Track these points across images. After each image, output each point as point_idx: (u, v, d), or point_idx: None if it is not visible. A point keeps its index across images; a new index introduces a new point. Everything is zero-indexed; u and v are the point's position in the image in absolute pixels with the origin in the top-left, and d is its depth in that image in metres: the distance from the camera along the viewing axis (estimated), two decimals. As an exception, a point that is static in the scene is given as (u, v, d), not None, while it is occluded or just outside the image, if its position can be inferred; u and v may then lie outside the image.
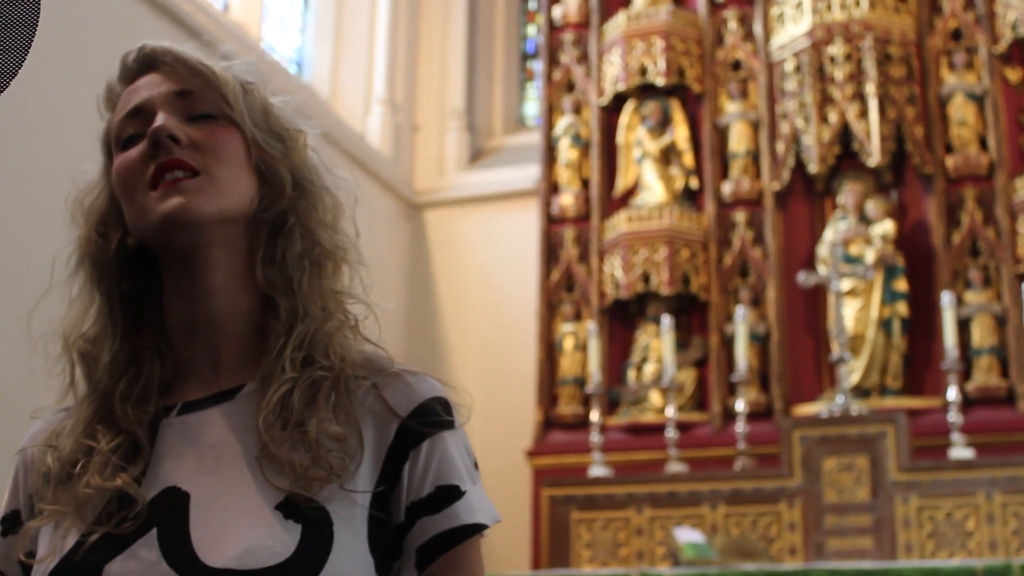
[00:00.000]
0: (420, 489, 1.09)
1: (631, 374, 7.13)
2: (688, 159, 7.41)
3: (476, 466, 1.15)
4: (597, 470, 6.32)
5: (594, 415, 6.49)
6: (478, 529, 1.11)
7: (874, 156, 6.72)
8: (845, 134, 6.90)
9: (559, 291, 7.42)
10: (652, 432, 6.70)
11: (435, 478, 1.10)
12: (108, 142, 1.17)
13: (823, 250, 6.81)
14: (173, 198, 1.08)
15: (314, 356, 1.11)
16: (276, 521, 1.02)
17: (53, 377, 1.16)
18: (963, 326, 6.40)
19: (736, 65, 7.39)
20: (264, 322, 1.13)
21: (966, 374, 6.37)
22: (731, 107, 7.29)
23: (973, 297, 6.54)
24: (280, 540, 1.01)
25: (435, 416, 1.11)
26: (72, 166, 1.21)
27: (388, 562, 1.09)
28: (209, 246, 1.12)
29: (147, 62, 1.16)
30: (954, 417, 5.76)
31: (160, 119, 1.10)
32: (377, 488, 1.08)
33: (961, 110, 6.78)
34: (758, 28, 7.31)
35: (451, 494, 1.10)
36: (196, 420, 1.12)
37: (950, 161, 6.74)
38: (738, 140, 7.22)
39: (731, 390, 6.65)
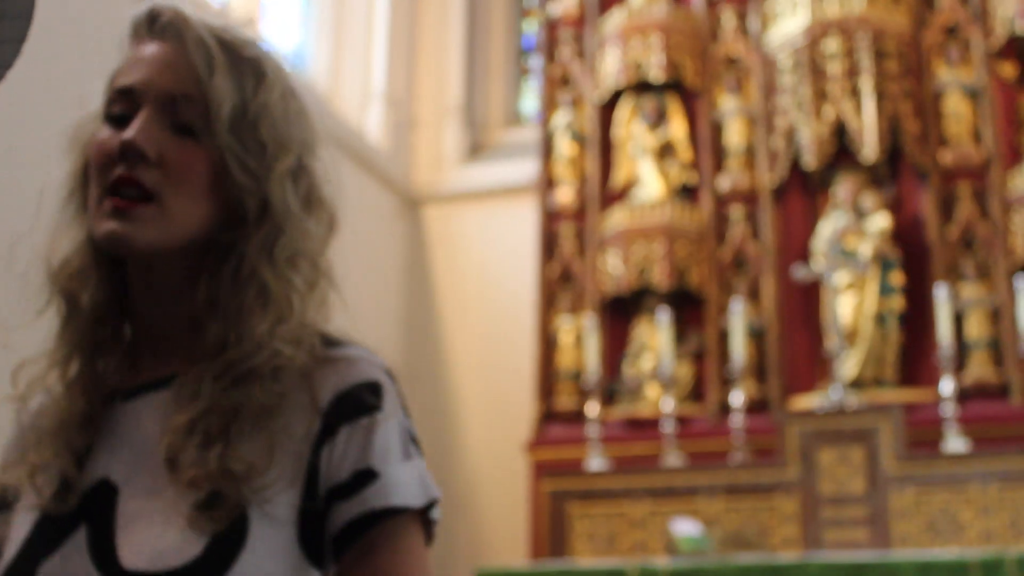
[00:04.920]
0: (338, 475, 1.06)
1: (628, 368, 7.15)
2: (685, 154, 7.43)
3: (415, 442, 1.12)
4: (595, 463, 6.35)
5: (592, 409, 6.52)
6: (391, 513, 1.06)
7: (869, 151, 6.75)
8: (841, 129, 6.91)
9: (557, 286, 7.43)
10: (649, 425, 6.71)
11: (352, 463, 1.07)
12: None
13: (819, 244, 6.84)
14: (115, 222, 1.08)
15: (236, 387, 1.07)
16: (190, 520, 1.02)
17: (39, 314, 1.16)
18: (958, 319, 6.42)
19: (732, 61, 7.41)
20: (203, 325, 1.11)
21: (961, 367, 6.40)
22: (727, 103, 7.31)
23: (968, 291, 6.56)
24: (190, 540, 1.00)
25: (358, 402, 1.08)
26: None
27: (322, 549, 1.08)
28: (148, 265, 1.12)
29: (154, 28, 1.15)
30: (949, 410, 5.79)
31: (134, 129, 1.09)
32: (305, 481, 1.06)
33: (956, 105, 6.80)
34: (754, 24, 7.33)
35: (364, 478, 1.06)
36: (134, 408, 1.12)
37: (945, 156, 6.76)
38: (734, 135, 7.24)
39: (728, 383, 6.67)
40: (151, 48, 1.14)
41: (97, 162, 1.10)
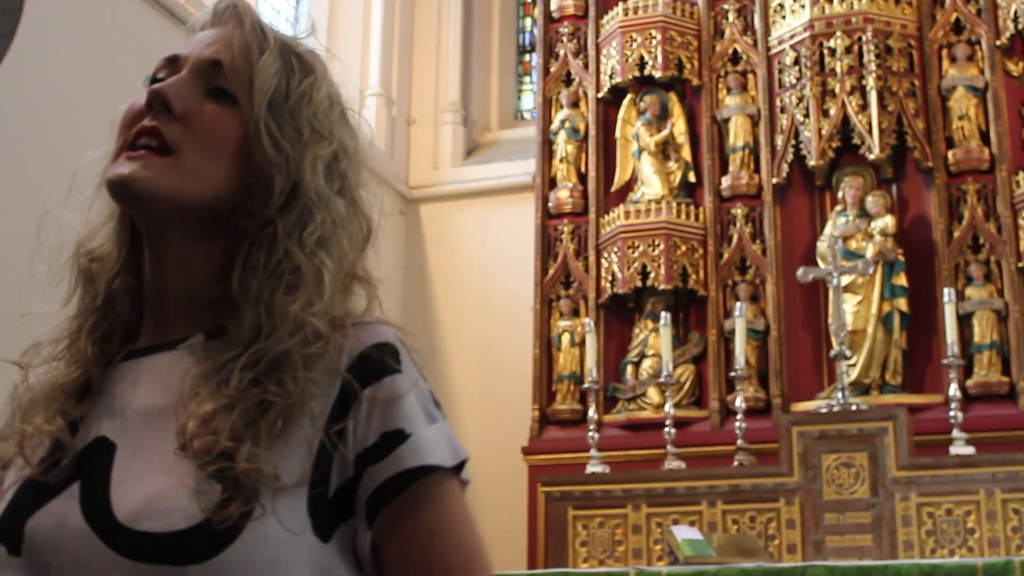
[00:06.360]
0: (365, 439, 1.04)
1: (629, 370, 7.08)
2: (686, 153, 7.36)
3: (438, 405, 1.11)
4: (594, 467, 6.29)
5: (591, 412, 6.46)
6: (427, 471, 1.05)
7: (874, 150, 6.68)
8: (845, 127, 6.84)
9: (556, 286, 7.37)
10: (650, 429, 6.66)
11: (379, 426, 1.05)
12: None
13: (822, 245, 6.76)
14: (129, 166, 1.08)
15: (268, 378, 1.04)
16: (196, 480, 1.00)
17: (53, 286, 1.17)
18: (964, 322, 6.36)
19: (735, 58, 7.34)
20: (223, 294, 1.10)
21: (967, 370, 6.34)
22: (730, 100, 7.24)
23: (974, 293, 6.49)
24: (195, 502, 0.99)
25: (376, 364, 1.07)
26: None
27: (333, 522, 1.04)
28: (160, 224, 1.11)
29: (218, 16, 1.18)
30: (954, 414, 5.72)
31: (166, 81, 1.11)
32: (320, 448, 1.04)
33: (962, 103, 6.73)
34: (757, 20, 7.26)
35: (395, 439, 1.05)
36: (136, 368, 1.12)
37: (951, 155, 6.70)
38: (737, 134, 7.17)
39: (729, 386, 6.61)
40: (209, 31, 1.18)
41: (124, 121, 1.12)
